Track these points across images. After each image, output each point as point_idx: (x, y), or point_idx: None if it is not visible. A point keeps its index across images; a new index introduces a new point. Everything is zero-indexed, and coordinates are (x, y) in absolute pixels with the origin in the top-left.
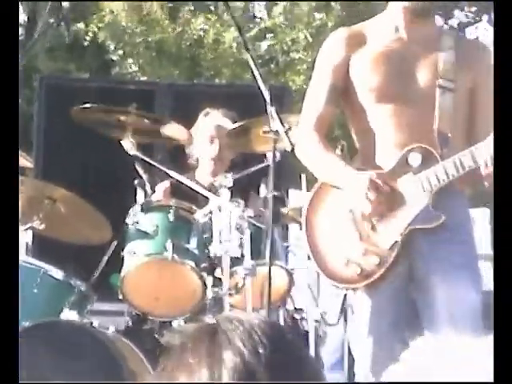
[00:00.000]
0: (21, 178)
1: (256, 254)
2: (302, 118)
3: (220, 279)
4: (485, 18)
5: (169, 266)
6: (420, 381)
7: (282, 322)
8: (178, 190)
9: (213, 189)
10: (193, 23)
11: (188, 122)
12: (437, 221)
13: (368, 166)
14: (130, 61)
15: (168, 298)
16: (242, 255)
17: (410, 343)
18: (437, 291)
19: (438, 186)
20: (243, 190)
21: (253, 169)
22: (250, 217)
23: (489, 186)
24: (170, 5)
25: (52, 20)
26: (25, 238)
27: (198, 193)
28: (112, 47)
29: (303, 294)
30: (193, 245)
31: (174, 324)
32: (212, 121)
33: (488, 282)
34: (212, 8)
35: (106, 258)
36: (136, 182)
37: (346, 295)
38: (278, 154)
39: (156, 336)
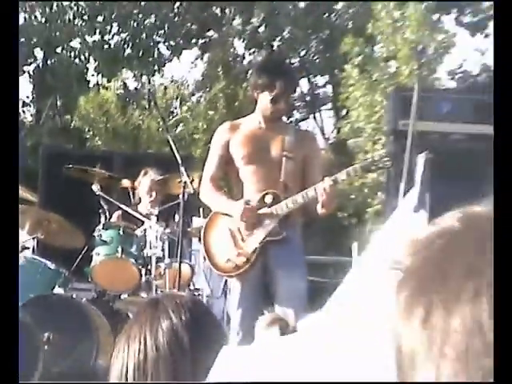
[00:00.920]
0: (30, 207)
1: (172, 255)
2: (204, 175)
3: (150, 270)
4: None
5: (119, 261)
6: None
7: None
8: (126, 216)
9: (147, 216)
10: (133, 115)
11: (131, 174)
12: (280, 236)
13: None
14: (97, 138)
15: (118, 281)
16: (163, 256)
17: (264, 311)
18: (279, 279)
19: (281, 215)
20: (165, 217)
21: (171, 204)
22: (169, 233)
23: (326, 207)
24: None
25: (50, 112)
26: (32, 243)
27: (138, 218)
28: (86, 130)
29: (200, 279)
30: (134, 249)
31: (122, 297)
32: (148, 176)
33: None
34: (146, 106)
35: (80, 256)
36: (100, 210)
37: (226, 280)
38: (186, 195)
39: (110, 304)
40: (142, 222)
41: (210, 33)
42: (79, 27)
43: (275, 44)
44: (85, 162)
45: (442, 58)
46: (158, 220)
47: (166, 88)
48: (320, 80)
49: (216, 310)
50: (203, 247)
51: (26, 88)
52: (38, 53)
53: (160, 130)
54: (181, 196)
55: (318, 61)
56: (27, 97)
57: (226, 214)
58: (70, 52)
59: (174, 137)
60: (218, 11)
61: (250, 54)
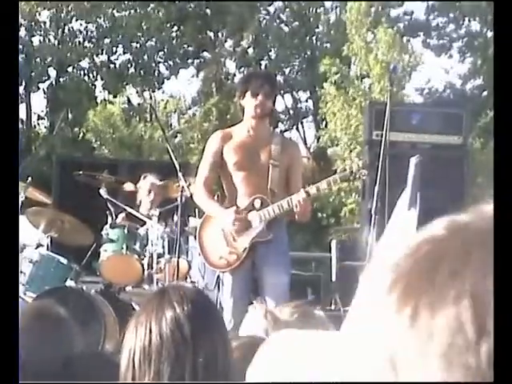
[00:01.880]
0: (44, 208)
1: (171, 251)
2: (197, 179)
3: (151, 265)
4: None
5: (124, 257)
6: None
7: None
8: (130, 217)
9: (149, 216)
10: (136, 127)
11: (135, 179)
12: (267, 237)
13: (233, 205)
14: (104, 147)
15: (123, 274)
16: (164, 252)
17: (253, 301)
18: (266, 274)
19: (268, 218)
20: (165, 217)
21: (170, 206)
22: (168, 232)
23: (300, 217)
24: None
25: (62, 125)
26: (46, 241)
27: (141, 219)
28: (94, 140)
29: (196, 273)
30: (137, 246)
31: (127, 289)
32: (148, 180)
33: None
34: (148, 119)
35: (90, 252)
36: (107, 211)
37: (219, 275)
38: (183, 198)
39: (116, 295)
40: (145, 222)
41: (205, 53)
42: (88, 49)
43: (263, 63)
44: (93, 169)
45: (410, 76)
46: (158, 220)
47: (165, 103)
48: (302, 95)
49: None
50: (198, 245)
51: (40, 103)
52: (52, 71)
53: (160, 139)
54: (179, 199)
55: (300, 78)
56: (42, 111)
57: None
58: (80, 71)
59: (172, 146)
60: (211, 34)
61: (240, 72)
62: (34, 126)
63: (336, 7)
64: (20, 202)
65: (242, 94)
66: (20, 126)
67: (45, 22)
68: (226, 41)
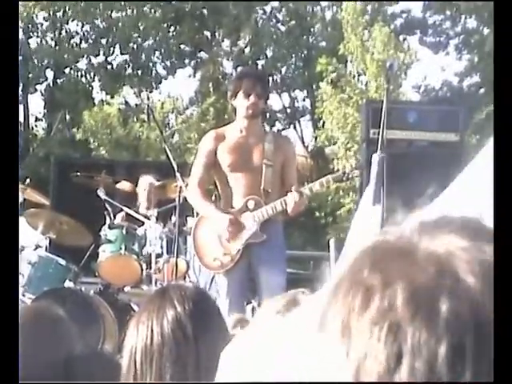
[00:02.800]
0: (43, 210)
1: (169, 251)
2: (191, 180)
3: (150, 265)
4: None
5: (122, 258)
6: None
7: None
8: (128, 217)
9: (147, 217)
10: (134, 127)
11: (133, 179)
12: (261, 238)
13: (227, 206)
14: (101, 148)
15: (122, 275)
16: (162, 252)
17: (252, 300)
18: (261, 274)
19: (262, 219)
20: (163, 217)
21: (168, 206)
22: (167, 232)
23: (291, 213)
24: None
25: (60, 126)
26: (45, 242)
27: (139, 219)
28: (91, 141)
29: (194, 273)
30: (135, 247)
31: (125, 289)
32: (146, 180)
33: None
34: (145, 119)
35: (88, 253)
36: (105, 212)
37: (213, 276)
38: (181, 198)
39: (115, 295)
40: (143, 223)
41: (202, 54)
42: (85, 50)
43: (259, 62)
44: (91, 170)
45: (407, 74)
46: (156, 220)
47: (162, 103)
48: (299, 94)
49: None
50: (193, 246)
51: (38, 104)
52: (49, 73)
53: (158, 140)
54: (177, 199)
55: (297, 77)
56: (39, 112)
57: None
58: (77, 72)
59: (170, 146)
60: (208, 34)
61: (236, 72)
62: (32, 128)
63: (332, 6)
64: (19, 204)
65: (233, 94)
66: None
67: (41, 24)
68: (222, 40)
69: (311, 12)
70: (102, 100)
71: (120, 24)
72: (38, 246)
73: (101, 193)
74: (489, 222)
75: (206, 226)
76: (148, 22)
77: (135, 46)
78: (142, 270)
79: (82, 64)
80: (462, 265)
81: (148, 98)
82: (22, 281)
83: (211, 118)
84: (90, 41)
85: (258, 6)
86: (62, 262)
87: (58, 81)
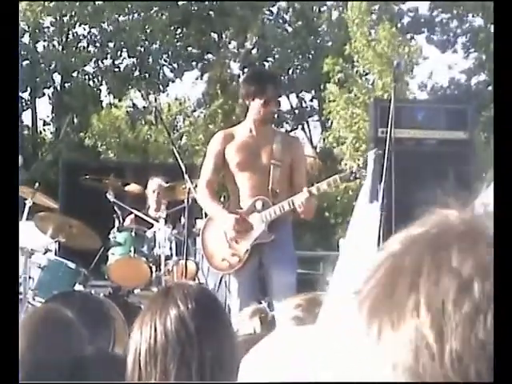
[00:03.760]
0: (52, 213)
1: (178, 253)
2: (200, 180)
3: (159, 267)
4: None
5: (132, 260)
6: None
7: None
8: (137, 220)
9: (156, 219)
10: (142, 130)
11: (142, 182)
12: (269, 238)
13: (235, 207)
14: (110, 151)
15: (131, 278)
16: (171, 254)
17: (262, 301)
18: (272, 274)
19: (270, 219)
20: (172, 219)
21: (177, 208)
22: (176, 234)
23: (305, 216)
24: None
25: (68, 129)
26: (54, 246)
27: (148, 221)
28: (99, 145)
29: (204, 274)
30: (145, 249)
31: (135, 291)
32: (155, 182)
33: None
34: (153, 122)
35: (97, 256)
36: (114, 215)
37: (222, 276)
38: (190, 200)
39: (125, 298)
40: (152, 225)
41: (209, 56)
42: (92, 53)
43: (266, 64)
44: (99, 173)
45: (413, 73)
46: (166, 222)
47: (170, 105)
48: (307, 95)
49: None
50: (202, 247)
51: (45, 109)
52: (56, 77)
53: (166, 142)
54: (185, 200)
55: (304, 78)
56: (47, 116)
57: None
58: (85, 75)
59: (178, 148)
60: (215, 36)
61: (244, 74)
62: (40, 132)
63: (338, 6)
64: (28, 208)
65: (247, 96)
66: (26, 132)
67: (48, 28)
68: (229, 42)
69: (318, 12)
70: (110, 103)
71: (127, 27)
72: (47, 250)
73: (110, 196)
74: None
75: (214, 227)
76: (155, 24)
77: (142, 49)
78: (151, 272)
79: (90, 68)
80: None
81: (156, 101)
82: (31, 284)
83: (219, 120)
84: (97, 44)
85: (265, 7)
86: (72, 265)
87: (66, 85)
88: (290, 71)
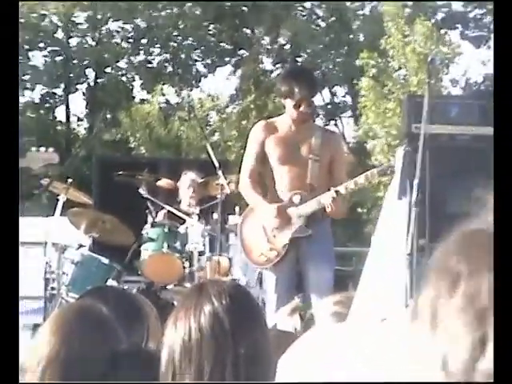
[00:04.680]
0: (85, 209)
1: (212, 249)
2: (242, 170)
3: (192, 263)
4: None
5: (165, 256)
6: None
7: None
8: (170, 215)
9: (189, 214)
10: (174, 126)
11: (175, 178)
12: (307, 233)
13: (274, 199)
14: (142, 147)
15: (164, 273)
16: (204, 250)
17: (297, 295)
18: (309, 270)
19: (307, 214)
20: (205, 215)
21: (210, 203)
22: (209, 229)
23: (333, 216)
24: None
25: (101, 125)
26: (88, 241)
27: (181, 217)
28: (132, 140)
29: (237, 270)
30: (178, 245)
31: (168, 287)
32: (188, 177)
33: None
34: (186, 118)
35: (131, 252)
36: (147, 210)
37: (260, 272)
38: (223, 196)
39: (158, 294)
40: (185, 221)
41: (242, 51)
42: (125, 49)
43: (299, 59)
44: (133, 169)
45: (448, 68)
46: (199, 218)
47: (202, 101)
48: (340, 90)
49: None
50: (240, 242)
51: (79, 104)
52: (90, 72)
53: (198, 138)
54: (219, 196)
55: (337, 73)
56: (81, 112)
57: (259, 211)
58: (118, 71)
59: (210, 144)
60: (248, 32)
61: (277, 69)
62: (74, 128)
63: (372, 1)
64: (61, 204)
65: (284, 94)
66: (59, 127)
67: (82, 24)
68: (262, 38)
69: (351, 7)
70: (143, 99)
71: (160, 23)
72: (80, 246)
73: (142, 191)
74: None
75: (252, 221)
76: (188, 20)
77: (175, 45)
78: (184, 267)
79: (123, 63)
80: None
81: (188, 97)
82: (65, 280)
83: (252, 115)
84: (130, 40)
85: (298, 3)
86: (105, 260)
87: (99, 80)
88: (324, 66)
